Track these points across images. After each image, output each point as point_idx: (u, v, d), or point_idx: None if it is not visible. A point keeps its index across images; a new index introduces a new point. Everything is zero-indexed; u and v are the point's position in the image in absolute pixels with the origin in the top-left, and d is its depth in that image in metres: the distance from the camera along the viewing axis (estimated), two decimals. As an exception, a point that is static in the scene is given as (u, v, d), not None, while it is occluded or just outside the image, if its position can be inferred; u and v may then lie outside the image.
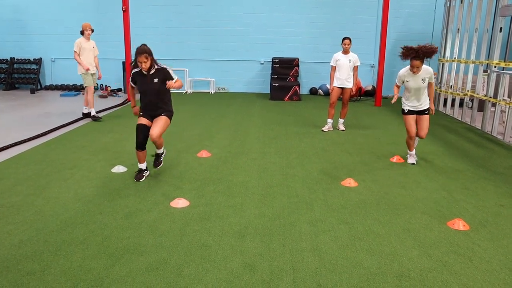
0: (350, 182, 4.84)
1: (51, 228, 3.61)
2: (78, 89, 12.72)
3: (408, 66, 5.45)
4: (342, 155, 6.06)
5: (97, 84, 9.03)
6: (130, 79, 4.82)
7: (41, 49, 12.91)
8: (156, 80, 4.63)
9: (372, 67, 12.74)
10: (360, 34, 12.45)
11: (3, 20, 12.73)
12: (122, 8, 10.47)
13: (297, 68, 11.92)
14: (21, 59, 12.80)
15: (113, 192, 4.48)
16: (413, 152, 5.74)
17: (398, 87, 5.70)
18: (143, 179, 4.87)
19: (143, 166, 4.91)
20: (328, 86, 12.59)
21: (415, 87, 5.42)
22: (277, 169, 5.37)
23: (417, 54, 5.22)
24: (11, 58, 12.80)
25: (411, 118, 5.55)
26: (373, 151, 6.32)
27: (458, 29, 9.66)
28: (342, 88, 7.48)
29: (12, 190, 4.47)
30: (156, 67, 4.65)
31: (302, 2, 12.44)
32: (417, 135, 5.61)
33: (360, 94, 11.81)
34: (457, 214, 4.05)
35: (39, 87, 12.83)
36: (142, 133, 4.71)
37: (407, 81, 5.49)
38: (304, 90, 12.92)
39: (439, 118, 9.30)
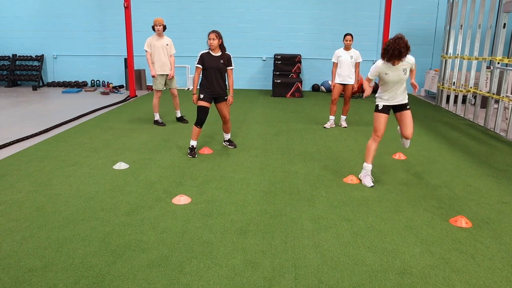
0: (352, 179, 4.83)
1: (53, 224, 3.62)
2: (80, 85, 12.73)
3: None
4: (344, 152, 6.05)
5: (177, 86, 7.86)
6: (197, 61, 5.48)
7: (43, 46, 12.92)
8: (222, 61, 5.49)
9: (374, 63, 12.69)
10: (363, 31, 12.41)
11: (4, 16, 12.73)
12: (124, 5, 10.44)
13: (299, 64, 11.88)
14: (23, 56, 12.81)
15: (114, 189, 4.48)
16: (371, 166, 4.78)
17: (370, 81, 4.82)
18: (196, 155, 5.61)
19: (195, 143, 5.65)
20: (330, 82, 12.57)
21: (395, 80, 4.57)
22: (279, 166, 5.37)
23: (400, 51, 4.35)
24: (13, 55, 12.81)
25: (384, 117, 4.69)
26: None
27: (461, 25, 9.61)
28: (344, 85, 7.45)
29: (14, 186, 4.48)
30: (222, 51, 5.51)
31: (304, -2, 12.39)
32: (403, 135, 4.80)
33: (363, 91, 11.77)
34: (459, 211, 4.04)
35: (41, 84, 12.84)
36: (203, 113, 5.55)
37: (386, 73, 4.58)
38: (306, 86, 12.90)
39: (441, 115, 9.27)
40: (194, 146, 5.68)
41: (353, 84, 7.44)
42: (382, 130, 4.73)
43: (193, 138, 5.66)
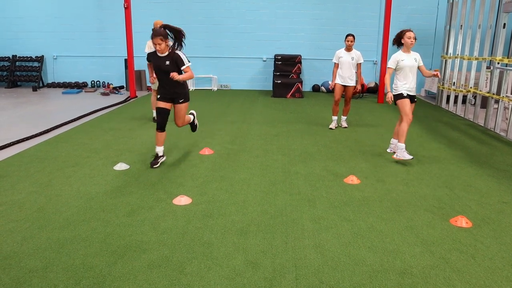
0: (352, 179, 4.83)
1: (53, 225, 3.62)
2: (80, 86, 12.73)
3: (399, 51, 5.70)
4: (345, 152, 6.05)
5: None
6: (147, 58, 5.27)
7: (43, 47, 12.92)
8: (167, 62, 4.89)
9: (374, 63, 12.70)
10: (363, 31, 12.41)
11: (4, 17, 12.73)
12: (124, 5, 10.45)
13: (299, 65, 11.89)
14: (23, 57, 12.81)
15: (115, 189, 4.48)
16: (404, 145, 5.55)
17: (391, 73, 5.67)
18: (157, 165, 5.10)
19: (160, 150, 5.15)
20: (330, 83, 12.56)
21: (410, 65, 5.52)
22: (280, 166, 5.37)
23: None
24: (13, 55, 12.82)
25: (409, 102, 5.60)
26: (375, 148, 6.30)
27: (461, 25, 9.61)
28: (345, 86, 7.36)
29: (15, 187, 4.48)
30: (169, 50, 4.89)
31: (304, -1, 12.40)
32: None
33: (363, 91, 11.78)
34: (459, 211, 4.04)
35: (41, 84, 12.85)
36: (162, 115, 5.04)
37: (402, 60, 5.54)
38: (306, 87, 12.90)
39: (441, 115, 9.27)
40: (159, 154, 5.21)
41: (354, 86, 7.35)
42: (411, 113, 5.62)
43: (158, 144, 5.18)
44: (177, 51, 4.92)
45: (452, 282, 2.86)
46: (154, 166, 5.13)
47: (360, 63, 7.30)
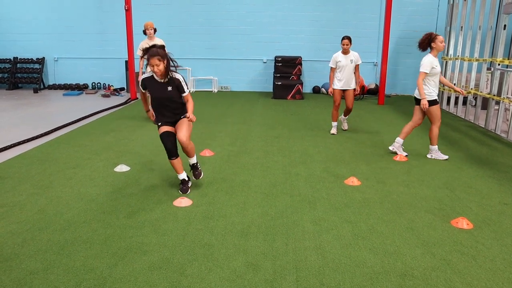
0: (353, 181, 4.83)
1: (54, 227, 3.62)
2: (81, 88, 12.74)
3: (429, 54, 5.49)
4: (345, 154, 6.04)
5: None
6: (140, 85, 4.36)
7: (44, 49, 12.94)
8: (170, 88, 4.19)
9: (375, 65, 12.70)
10: (363, 32, 12.41)
11: (5, 19, 12.75)
12: (125, 7, 10.47)
13: (300, 66, 11.89)
14: (24, 59, 12.83)
15: (116, 191, 4.48)
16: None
17: (424, 78, 5.51)
18: (189, 191, 4.44)
19: (183, 175, 4.44)
20: (329, 89, 12.54)
21: (439, 72, 5.50)
22: (280, 168, 5.37)
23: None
24: (14, 57, 12.84)
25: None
26: (376, 149, 6.30)
27: (462, 26, 9.62)
28: (344, 90, 7.08)
29: (15, 189, 4.48)
30: (169, 75, 4.17)
31: (305, 1, 12.40)
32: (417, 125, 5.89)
33: (363, 92, 11.78)
34: (460, 213, 4.03)
35: (42, 86, 12.86)
36: (169, 139, 4.28)
37: (436, 66, 5.44)
38: (307, 88, 12.90)
39: (442, 116, 9.22)
40: (186, 179, 4.51)
41: (354, 89, 7.12)
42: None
43: (179, 172, 4.44)
44: (177, 74, 4.24)
45: (453, 284, 2.86)
46: (188, 192, 4.45)
47: (359, 65, 7.05)
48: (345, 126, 7.57)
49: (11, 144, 6.17)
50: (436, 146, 5.82)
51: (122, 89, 12.64)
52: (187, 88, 4.31)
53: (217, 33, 12.60)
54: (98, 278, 2.87)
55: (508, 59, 7.44)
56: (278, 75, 11.78)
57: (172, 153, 4.30)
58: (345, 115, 7.49)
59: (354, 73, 7.07)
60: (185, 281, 2.86)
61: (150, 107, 4.49)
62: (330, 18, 12.46)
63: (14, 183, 4.67)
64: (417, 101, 5.70)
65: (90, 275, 2.90)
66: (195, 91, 12.76)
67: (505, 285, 2.86)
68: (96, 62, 12.94)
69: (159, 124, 4.36)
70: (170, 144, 4.28)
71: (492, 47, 8.46)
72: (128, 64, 11.01)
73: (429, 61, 5.40)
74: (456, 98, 9.64)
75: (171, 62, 4.16)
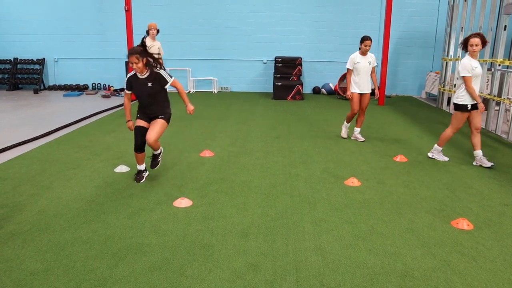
0: (353, 182, 4.83)
1: (54, 228, 3.62)
2: (81, 89, 12.74)
3: (467, 56, 5.21)
4: (345, 154, 6.04)
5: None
6: (125, 85, 4.64)
7: (44, 49, 12.94)
8: (150, 84, 4.48)
9: (375, 66, 12.69)
10: (363, 33, 12.26)
11: (5, 20, 12.76)
12: (125, 8, 10.47)
13: (300, 67, 11.89)
14: (24, 60, 12.83)
15: (116, 191, 4.48)
16: (440, 148, 5.80)
17: (471, 81, 5.16)
18: (143, 180, 4.79)
19: (142, 167, 4.82)
20: (331, 85, 12.56)
21: (481, 73, 5.21)
22: (280, 168, 5.36)
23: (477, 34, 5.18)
24: (14, 58, 12.83)
25: (467, 116, 5.38)
26: (376, 150, 6.30)
27: (462, 27, 9.62)
28: (362, 94, 6.59)
29: (16, 190, 4.48)
30: (149, 70, 4.47)
31: (305, 1, 12.41)
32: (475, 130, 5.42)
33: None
34: (461, 214, 4.03)
35: (42, 87, 12.86)
36: (141, 135, 4.59)
37: (475, 67, 5.13)
38: (307, 89, 12.90)
39: (442, 116, 9.26)
40: (142, 170, 4.82)
41: (370, 93, 6.65)
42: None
43: (139, 163, 4.80)
44: (158, 70, 4.51)
45: (453, 285, 2.86)
46: (141, 182, 4.76)
47: (375, 67, 6.66)
48: (360, 137, 6.81)
49: (11, 145, 6.17)
50: (441, 148, 5.78)
51: (122, 89, 12.63)
52: (170, 77, 4.59)
53: (217, 34, 12.60)
54: (98, 278, 2.87)
55: (509, 60, 7.44)
56: (278, 75, 11.78)
57: (139, 148, 4.67)
58: (358, 126, 6.83)
59: (371, 75, 6.65)
60: (185, 281, 2.86)
61: (130, 116, 4.84)
62: (330, 18, 12.46)
63: (14, 183, 4.67)
64: (456, 107, 5.44)
65: (90, 276, 2.90)
66: (195, 91, 12.76)
67: (506, 286, 2.86)
68: (96, 63, 12.94)
69: (138, 115, 4.69)
70: (140, 140, 4.62)
71: (492, 48, 8.45)
72: (128, 65, 11.00)
73: (467, 64, 5.14)
74: (456, 99, 9.62)
75: (151, 60, 4.46)
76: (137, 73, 4.49)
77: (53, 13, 12.64)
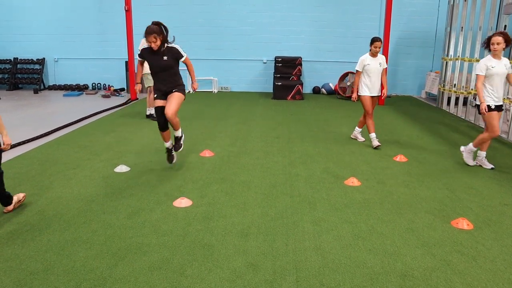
0: (353, 181, 4.83)
1: (54, 227, 3.62)
2: (81, 89, 12.75)
3: (488, 56, 5.12)
4: (345, 154, 6.04)
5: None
6: (138, 54, 4.95)
7: (44, 49, 12.94)
8: (165, 58, 4.77)
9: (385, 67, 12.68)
10: (363, 33, 12.41)
11: (5, 20, 12.76)
12: (125, 8, 10.47)
13: (300, 67, 11.90)
14: (24, 59, 12.83)
15: (116, 191, 4.48)
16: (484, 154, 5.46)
17: (483, 80, 5.08)
18: (175, 160, 5.21)
19: (169, 144, 5.13)
20: (331, 85, 12.56)
21: (501, 72, 5.04)
22: (280, 168, 5.37)
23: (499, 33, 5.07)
24: (14, 58, 12.84)
25: (496, 114, 5.12)
26: (376, 150, 6.29)
27: (462, 27, 9.62)
28: (372, 97, 6.41)
29: (16, 190, 4.47)
30: (166, 45, 4.77)
31: (305, 1, 12.41)
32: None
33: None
34: (461, 213, 4.03)
35: (42, 87, 12.86)
36: (162, 114, 4.86)
37: (492, 67, 5.04)
38: (307, 89, 12.90)
39: (442, 116, 9.27)
40: (170, 148, 5.18)
41: (380, 95, 6.49)
42: (498, 127, 5.21)
43: (166, 141, 5.13)
44: (172, 44, 4.84)
45: (453, 285, 2.86)
46: (173, 162, 5.24)
47: (386, 68, 6.45)
48: (377, 142, 6.42)
49: (11, 145, 6.16)
50: (484, 153, 5.46)
51: (122, 89, 12.64)
52: (184, 53, 4.92)
53: (217, 34, 12.60)
54: (98, 278, 2.87)
55: (509, 60, 7.43)
56: (278, 75, 11.78)
57: (162, 127, 4.98)
58: (372, 131, 6.53)
59: (382, 78, 6.45)
60: (185, 281, 2.86)
61: (140, 80, 5.14)
62: (330, 18, 12.46)
63: (14, 184, 4.66)
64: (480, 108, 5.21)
65: (90, 276, 2.90)
66: (195, 91, 12.76)
67: (505, 286, 2.86)
68: (96, 63, 12.94)
69: (155, 96, 4.93)
70: (162, 119, 4.91)
71: (492, 48, 8.45)
72: (128, 65, 11.01)
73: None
74: (457, 99, 9.64)
75: (167, 36, 4.76)
76: (152, 48, 4.71)
77: (53, 13, 12.65)
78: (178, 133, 5.17)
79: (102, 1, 12.58)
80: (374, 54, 6.30)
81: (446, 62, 10.14)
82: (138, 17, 11.49)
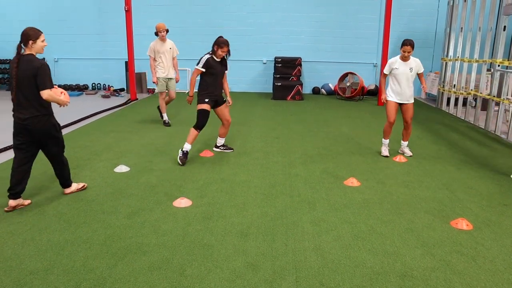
0: (353, 182, 4.83)
1: (54, 227, 3.62)
2: (81, 89, 12.75)
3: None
4: (345, 155, 6.05)
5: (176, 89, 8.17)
6: (202, 64, 5.46)
7: (44, 49, 12.90)
8: (223, 66, 5.64)
9: (374, 66, 12.71)
10: (363, 33, 12.44)
11: (5, 20, 12.76)
12: (125, 8, 10.48)
13: (299, 67, 11.90)
14: (24, 59, 12.81)
15: (115, 191, 4.48)
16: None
17: None
18: (186, 161, 5.45)
19: (189, 147, 5.47)
20: (331, 85, 12.57)
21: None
22: (280, 168, 5.37)
23: None
24: (14, 58, 12.83)
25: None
26: (376, 150, 6.30)
27: (462, 27, 9.63)
28: (401, 104, 5.86)
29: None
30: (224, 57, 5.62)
31: (305, 1, 12.42)
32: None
33: (363, 93, 11.79)
34: (460, 214, 4.03)
35: (42, 87, 12.86)
36: (206, 119, 5.50)
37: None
38: (306, 89, 12.91)
39: (442, 117, 9.27)
40: (187, 151, 5.49)
41: (413, 103, 5.86)
42: None
43: (189, 142, 5.50)
44: (225, 57, 5.67)
45: (453, 285, 2.86)
46: (184, 163, 5.43)
47: (422, 73, 5.81)
48: (408, 151, 6.07)
49: (11, 145, 6.16)
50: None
51: (122, 89, 12.64)
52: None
53: (217, 34, 12.43)
54: (98, 278, 2.88)
55: (508, 60, 7.45)
56: (278, 76, 11.79)
57: (201, 128, 5.51)
58: (405, 139, 6.08)
59: (420, 79, 5.92)
60: (184, 281, 2.86)
61: (193, 92, 5.74)
62: (330, 19, 12.47)
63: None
64: None
65: (90, 275, 2.90)
66: (195, 92, 12.75)
67: (505, 286, 2.86)
68: (96, 63, 12.95)
69: (205, 100, 5.53)
70: (205, 122, 5.53)
71: (492, 48, 8.47)
72: (128, 65, 11.01)
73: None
74: (456, 99, 9.64)
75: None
76: (214, 56, 5.47)
77: (53, 13, 12.65)
78: (224, 140, 6.16)
79: (102, 1, 12.58)
80: (404, 58, 5.69)
81: (446, 63, 10.15)
82: (138, 17, 11.50)
